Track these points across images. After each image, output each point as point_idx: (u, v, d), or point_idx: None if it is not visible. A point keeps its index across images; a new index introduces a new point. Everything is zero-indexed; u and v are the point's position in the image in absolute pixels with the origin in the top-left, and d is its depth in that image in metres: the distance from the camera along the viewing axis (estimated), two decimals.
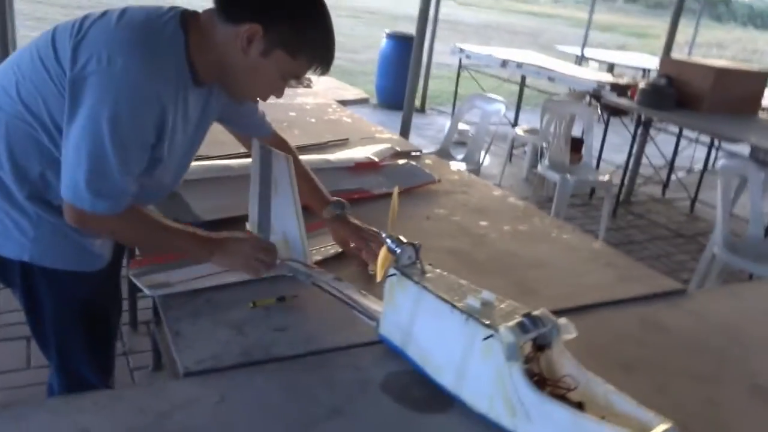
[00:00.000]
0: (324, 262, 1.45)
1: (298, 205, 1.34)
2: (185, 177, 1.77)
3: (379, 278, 1.24)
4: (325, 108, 3.16)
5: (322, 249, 1.50)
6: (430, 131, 7.01)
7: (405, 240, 1.15)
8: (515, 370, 0.92)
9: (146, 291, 1.25)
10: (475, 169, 3.69)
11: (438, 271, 1.14)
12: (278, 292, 1.32)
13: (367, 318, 1.20)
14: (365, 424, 0.98)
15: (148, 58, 1.11)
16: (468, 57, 6.34)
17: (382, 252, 1.24)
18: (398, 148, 2.46)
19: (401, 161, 2.29)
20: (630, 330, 1.36)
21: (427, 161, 2.46)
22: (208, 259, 1.33)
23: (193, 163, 1.85)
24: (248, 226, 1.48)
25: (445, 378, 1.05)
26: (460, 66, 6.72)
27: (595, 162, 4.89)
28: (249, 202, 1.46)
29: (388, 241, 1.16)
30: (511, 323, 0.95)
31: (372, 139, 2.63)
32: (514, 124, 6.02)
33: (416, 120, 7.62)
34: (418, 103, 8.08)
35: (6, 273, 1.30)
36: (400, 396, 1.05)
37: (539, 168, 4.16)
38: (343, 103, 3.65)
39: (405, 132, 3.77)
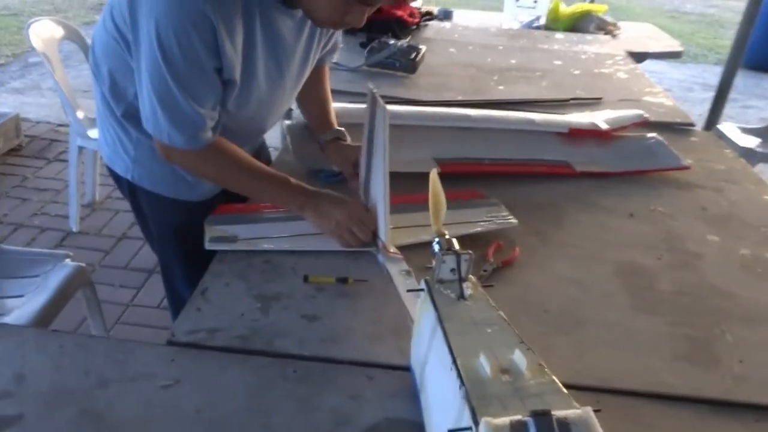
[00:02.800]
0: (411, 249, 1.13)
1: (386, 170, 1.06)
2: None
3: None
4: (604, 59, 2.63)
5: (414, 228, 1.17)
6: None
7: (456, 245, 0.81)
8: None
9: (206, 242, 1.14)
10: None
11: (488, 299, 0.78)
12: (349, 270, 1.08)
13: None
14: None
15: None
16: None
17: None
18: (651, 118, 1.90)
19: (649, 134, 1.75)
20: None
21: (693, 139, 1.86)
22: (298, 213, 1.19)
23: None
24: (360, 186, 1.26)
25: None
26: None
27: None
28: (359, 157, 1.22)
29: (435, 240, 0.82)
30: (500, 420, 0.57)
31: (635, 102, 2.09)
32: None
33: None
34: None
35: (120, 186, 1.33)
36: None
37: None
38: (644, 56, 3.03)
39: (720, 98, 2.97)
